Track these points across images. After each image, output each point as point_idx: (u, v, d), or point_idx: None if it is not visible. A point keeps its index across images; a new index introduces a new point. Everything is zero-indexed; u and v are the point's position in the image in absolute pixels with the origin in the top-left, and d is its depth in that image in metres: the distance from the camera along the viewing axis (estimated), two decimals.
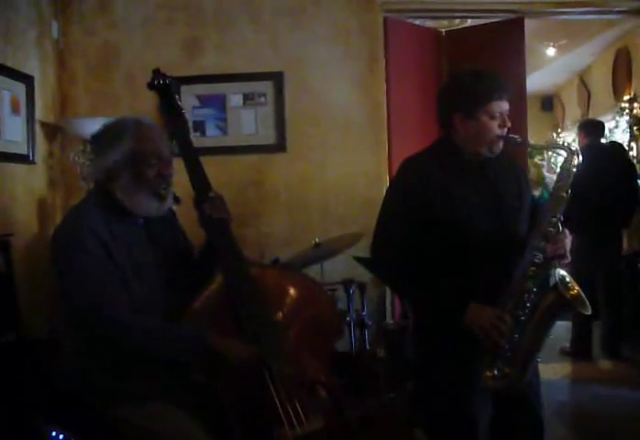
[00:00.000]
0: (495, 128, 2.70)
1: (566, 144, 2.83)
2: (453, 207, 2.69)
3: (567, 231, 2.69)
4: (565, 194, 2.65)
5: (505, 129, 2.72)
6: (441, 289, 2.69)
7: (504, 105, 2.71)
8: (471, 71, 2.79)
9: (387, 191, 2.93)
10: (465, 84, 2.76)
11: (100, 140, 2.68)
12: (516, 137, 2.76)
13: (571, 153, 2.69)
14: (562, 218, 2.65)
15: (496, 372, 2.61)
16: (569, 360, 6.15)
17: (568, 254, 2.69)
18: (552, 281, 2.59)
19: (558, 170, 2.75)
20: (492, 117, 2.69)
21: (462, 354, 2.68)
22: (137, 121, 2.69)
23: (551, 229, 2.63)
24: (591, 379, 5.67)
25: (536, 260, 2.62)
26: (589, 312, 2.62)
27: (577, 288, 2.63)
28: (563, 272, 2.63)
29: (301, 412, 2.53)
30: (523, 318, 2.61)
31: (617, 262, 6.28)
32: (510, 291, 2.63)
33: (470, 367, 2.66)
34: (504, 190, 2.80)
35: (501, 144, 2.75)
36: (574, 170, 2.67)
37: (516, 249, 2.68)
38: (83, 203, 2.71)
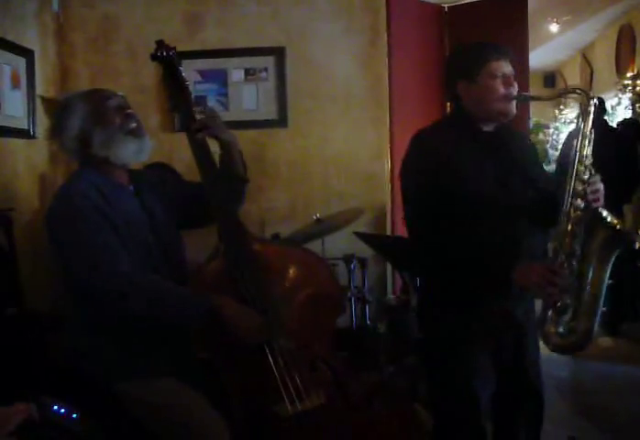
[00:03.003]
0: (499, 88, 2.64)
1: (578, 89, 2.71)
2: (463, 179, 2.64)
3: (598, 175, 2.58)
4: (590, 134, 2.56)
5: (512, 89, 2.66)
6: (481, 257, 2.60)
7: (506, 67, 2.66)
8: (470, 42, 2.82)
9: (401, 167, 2.83)
10: (463, 52, 2.80)
11: (55, 121, 2.73)
12: (526, 93, 2.71)
13: (587, 97, 2.58)
14: (592, 159, 2.56)
15: (561, 329, 2.53)
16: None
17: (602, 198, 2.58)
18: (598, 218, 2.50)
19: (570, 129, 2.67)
20: (494, 77, 2.64)
21: (467, 331, 2.67)
22: (79, 91, 2.79)
23: (584, 171, 2.54)
24: (591, 355, 5.68)
25: (579, 203, 2.52)
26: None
27: (619, 222, 2.51)
28: (606, 212, 2.51)
29: (301, 388, 2.54)
30: (575, 265, 2.51)
31: None
32: (556, 240, 2.54)
33: (475, 344, 2.66)
34: (515, 162, 2.75)
35: (513, 106, 2.69)
36: (592, 110, 2.56)
37: (525, 221, 2.65)
38: (72, 177, 2.74)
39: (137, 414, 2.55)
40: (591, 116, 2.58)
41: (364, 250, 4.66)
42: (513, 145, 2.80)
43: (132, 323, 2.53)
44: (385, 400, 2.78)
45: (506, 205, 2.68)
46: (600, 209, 2.52)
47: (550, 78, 13.04)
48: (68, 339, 2.73)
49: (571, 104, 11.47)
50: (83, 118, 2.63)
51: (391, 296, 5.22)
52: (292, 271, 2.83)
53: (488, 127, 2.75)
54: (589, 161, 2.55)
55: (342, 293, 3.64)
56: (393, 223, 5.28)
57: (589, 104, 2.58)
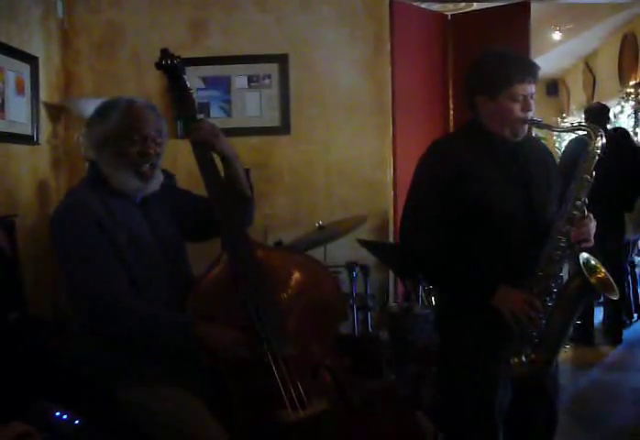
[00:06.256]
0: (517, 111, 2.64)
1: (590, 125, 2.75)
2: (482, 190, 2.65)
3: (591, 215, 2.65)
4: (589, 177, 2.61)
5: (529, 112, 2.66)
6: (470, 272, 2.66)
7: (529, 88, 2.65)
8: (497, 52, 2.74)
9: (415, 173, 2.83)
10: (488, 66, 2.71)
11: (92, 115, 2.70)
12: (538, 119, 2.72)
13: (595, 135, 2.63)
14: (587, 201, 2.62)
15: (523, 358, 2.59)
16: (571, 345, 6.15)
17: (592, 238, 2.64)
18: (577, 266, 2.56)
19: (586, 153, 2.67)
20: (514, 100, 2.63)
21: (487, 341, 2.66)
22: (131, 100, 2.69)
23: (575, 213, 2.60)
24: (592, 364, 5.69)
25: (561, 244, 2.59)
26: (617, 296, 2.60)
27: (603, 271, 2.60)
28: (587, 255, 2.59)
29: (303, 395, 2.52)
30: (549, 304, 2.60)
31: (619, 247, 6.28)
32: (535, 275, 2.61)
33: (494, 353, 2.64)
34: (534, 174, 2.75)
35: (524, 128, 2.70)
36: (598, 151, 2.62)
37: (544, 233, 2.64)
38: (79, 185, 2.74)
39: (138, 420, 2.54)
40: (595, 160, 2.63)
41: (366, 257, 4.67)
42: (532, 157, 2.80)
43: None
44: (387, 407, 2.78)
45: (526, 219, 2.69)
46: (580, 255, 2.58)
47: (553, 86, 13.04)
48: (70, 344, 2.74)
49: (574, 112, 11.48)
50: (109, 130, 2.60)
51: (393, 303, 5.22)
52: (294, 278, 2.82)
53: (502, 139, 2.74)
54: (580, 202, 2.62)
55: (344, 300, 3.63)
56: (396, 230, 5.27)
57: (596, 147, 2.63)
